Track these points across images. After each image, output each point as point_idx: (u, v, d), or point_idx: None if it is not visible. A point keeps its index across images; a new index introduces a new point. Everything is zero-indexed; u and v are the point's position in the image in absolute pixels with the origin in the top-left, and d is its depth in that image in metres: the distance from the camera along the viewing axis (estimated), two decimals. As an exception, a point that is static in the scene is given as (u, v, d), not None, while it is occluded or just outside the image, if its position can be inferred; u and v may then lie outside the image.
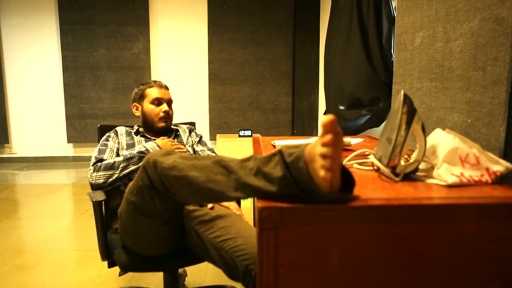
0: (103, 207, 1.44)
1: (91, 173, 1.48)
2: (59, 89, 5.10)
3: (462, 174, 0.87)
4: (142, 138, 1.67)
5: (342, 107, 2.89)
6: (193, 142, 1.79)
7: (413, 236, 0.73)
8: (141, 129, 1.73)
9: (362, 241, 0.72)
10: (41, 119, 5.16)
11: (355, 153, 1.08)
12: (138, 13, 4.95)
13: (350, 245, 0.72)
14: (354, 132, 2.66)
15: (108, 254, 1.38)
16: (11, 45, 5.02)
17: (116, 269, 1.46)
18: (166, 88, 1.74)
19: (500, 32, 1.03)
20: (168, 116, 1.69)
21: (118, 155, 1.60)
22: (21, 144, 5.21)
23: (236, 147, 4.63)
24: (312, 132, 5.16)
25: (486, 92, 1.09)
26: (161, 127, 1.67)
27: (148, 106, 1.67)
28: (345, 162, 1.09)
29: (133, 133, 1.69)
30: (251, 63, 5.07)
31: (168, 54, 5.05)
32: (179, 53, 5.08)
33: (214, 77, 5.09)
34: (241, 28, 5.00)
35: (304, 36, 4.97)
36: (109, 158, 1.55)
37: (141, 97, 1.71)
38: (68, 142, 5.17)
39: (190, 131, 1.83)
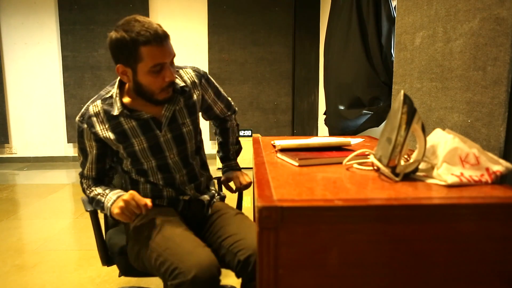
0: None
1: (81, 185, 1.34)
2: (59, 89, 5.10)
3: (462, 174, 0.87)
4: (134, 122, 1.24)
5: (342, 107, 2.88)
6: (207, 97, 1.41)
7: (413, 236, 0.73)
8: (126, 100, 1.24)
9: (362, 241, 0.72)
10: (41, 119, 5.16)
11: (355, 153, 1.08)
12: (138, 13, 4.94)
13: (350, 245, 0.72)
14: (354, 132, 2.66)
15: (108, 259, 1.37)
16: (11, 45, 5.02)
17: (116, 268, 1.45)
18: (166, 37, 1.14)
19: (500, 32, 1.03)
20: (173, 83, 1.22)
21: (103, 153, 1.28)
22: (21, 144, 5.21)
23: (236, 147, 4.62)
24: (312, 132, 5.16)
25: (486, 92, 1.09)
26: (164, 99, 1.22)
27: (145, 77, 1.15)
28: (345, 162, 1.09)
29: (119, 115, 1.23)
30: (251, 63, 5.07)
31: (168, 54, 5.05)
32: (179, 53, 5.07)
33: (214, 77, 5.09)
34: (241, 28, 5.00)
35: (304, 36, 4.97)
36: (91, 164, 1.28)
37: (133, 58, 1.12)
38: (68, 142, 5.16)
39: (200, 80, 1.37)
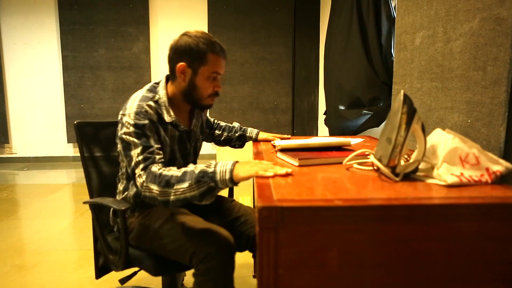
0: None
1: (143, 182, 1.12)
2: (59, 89, 5.10)
3: (462, 174, 0.87)
4: (177, 132, 1.33)
5: (342, 107, 2.88)
6: (203, 124, 1.58)
7: (413, 236, 0.73)
8: (172, 116, 1.30)
9: (362, 241, 0.72)
10: (41, 119, 5.16)
11: (355, 153, 1.08)
12: (138, 13, 4.95)
13: (350, 245, 0.72)
14: (354, 132, 2.66)
15: (127, 264, 1.31)
16: (11, 45, 5.02)
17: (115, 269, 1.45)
18: (226, 57, 1.36)
19: (500, 32, 1.03)
20: (218, 94, 1.35)
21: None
22: (21, 144, 5.21)
23: (236, 147, 4.62)
24: (312, 132, 5.16)
25: (486, 92, 1.09)
26: (207, 105, 1.34)
27: (202, 80, 1.27)
28: (345, 162, 1.09)
29: (168, 122, 1.29)
30: (251, 63, 5.07)
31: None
32: (179, 53, 5.08)
33: (214, 77, 5.09)
34: (241, 28, 5.00)
35: (304, 36, 4.97)
36: (159, 150, 1.20)
37: (199, 60, 1.25)
38: (68, 142, 5.16)
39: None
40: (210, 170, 1.06)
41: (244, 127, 1.73)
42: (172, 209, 1.33)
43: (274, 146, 1.44)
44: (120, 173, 1.40)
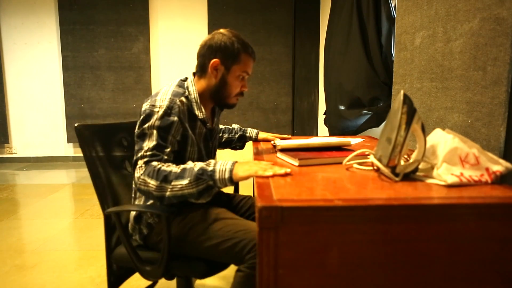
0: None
1: (141, 174, 1.12)
2: (59, 89, 5.10)
3: (462, 174, 0.87)
4: (204, 129, 1.33)
5: (342, 107, 2.88)
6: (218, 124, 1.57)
7: (413, 236, 0.73)
8: (203, 113, 1.31)
9: (362, 241, 0.72)
10: (41, 119, 5.16)
11: (355, 153, 1.08)
12: (138, 13, 4.95)
13: (350, 245, 0.72)
14: (354, 132, 2.66)
15: (167, 272, 1.22)
16: (11, 45, 5.02)
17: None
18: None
19: (500, 32, 1.03)
20: (243, 94, 1.38)
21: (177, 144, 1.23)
22: (21, 144, 5.20)
23: (236, 147, 4.61)
24: (312, 132, 5.16)
25: (486, 92, 1.09)
26: (232, 104, 1.36)
27: (233, 79, 1.29)
28: (345, 162, 1.09)
29: (198, 119, 1.29)
30: (251, 63, 5.07)
31: (168, 54, 5.05)
32: (179, 53, 5.07)
33: (214, 77, 5.08)
34: (241, 28, 5.00)
35: (304, 36, 4.97)
36: (170, 153, 1.19)
37: (232, 59, 1.27)
38: (68, 142, 5.16)
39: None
40: (210, 168, 1.08)
41: (243, 128, 1.72)
42: (212, 211, 1.24)
43: (274, 146, 1.44)
44: None
